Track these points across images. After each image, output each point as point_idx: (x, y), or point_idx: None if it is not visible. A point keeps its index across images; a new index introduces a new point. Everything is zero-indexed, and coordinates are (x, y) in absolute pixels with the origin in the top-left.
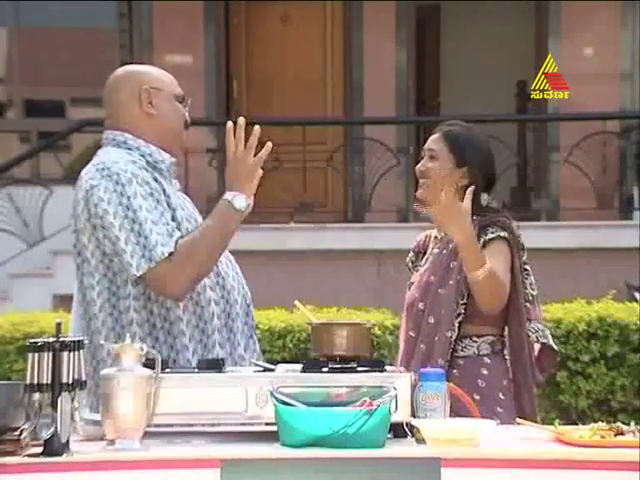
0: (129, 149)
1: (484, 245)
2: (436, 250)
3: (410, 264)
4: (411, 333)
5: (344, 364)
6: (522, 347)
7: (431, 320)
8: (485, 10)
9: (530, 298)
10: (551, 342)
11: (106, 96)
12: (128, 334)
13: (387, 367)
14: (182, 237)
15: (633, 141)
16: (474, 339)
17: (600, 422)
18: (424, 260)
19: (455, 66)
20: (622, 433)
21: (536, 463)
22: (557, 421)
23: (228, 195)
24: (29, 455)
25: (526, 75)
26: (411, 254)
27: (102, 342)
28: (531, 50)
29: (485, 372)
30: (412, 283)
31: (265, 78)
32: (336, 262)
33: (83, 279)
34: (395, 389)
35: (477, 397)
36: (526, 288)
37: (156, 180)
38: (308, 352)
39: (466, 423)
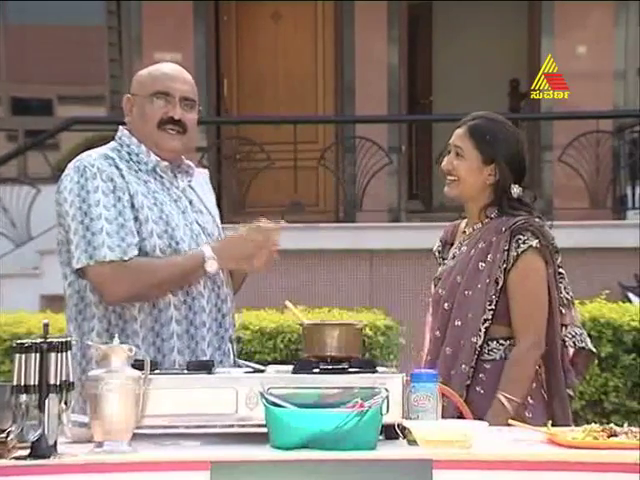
0: (120, 145)
1: (516, 259)
2: (464, 248)
3: (437, 254)
4: (437, 333)
5: (335, 365)
6: (556, 352)
7: (457, 323)
8: (477, 9)
9: (565, 302)
10: (590, 345)
11: None
12: (87, 327)
13: (378, 368)
14: (137, 243)
15: (626, 140)
16: (501, 342)
17: (593, 423)
18: (450, 253)
19: (447, 65)
20: (615, 434)
21: (529, 465)
22: (550, 422)
23: (208, 253)
24: (16, 458)
25: (519, 74)
26: (438, 243)
27: (89, 342)
28: (524, 49)
29: None
30: (439, 278)
31: (256, 77)
32: (327, 262)
33: (60, 268)
34: (387, 390)
35: None
36: (561, 292)
37: (123, 177)
38: (299, 353)
39: (458, 424)
